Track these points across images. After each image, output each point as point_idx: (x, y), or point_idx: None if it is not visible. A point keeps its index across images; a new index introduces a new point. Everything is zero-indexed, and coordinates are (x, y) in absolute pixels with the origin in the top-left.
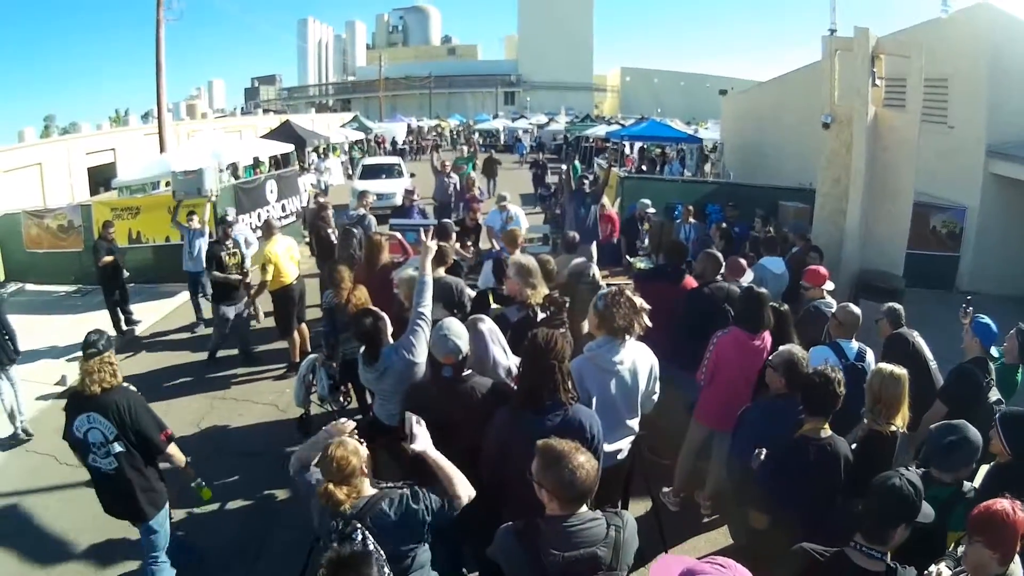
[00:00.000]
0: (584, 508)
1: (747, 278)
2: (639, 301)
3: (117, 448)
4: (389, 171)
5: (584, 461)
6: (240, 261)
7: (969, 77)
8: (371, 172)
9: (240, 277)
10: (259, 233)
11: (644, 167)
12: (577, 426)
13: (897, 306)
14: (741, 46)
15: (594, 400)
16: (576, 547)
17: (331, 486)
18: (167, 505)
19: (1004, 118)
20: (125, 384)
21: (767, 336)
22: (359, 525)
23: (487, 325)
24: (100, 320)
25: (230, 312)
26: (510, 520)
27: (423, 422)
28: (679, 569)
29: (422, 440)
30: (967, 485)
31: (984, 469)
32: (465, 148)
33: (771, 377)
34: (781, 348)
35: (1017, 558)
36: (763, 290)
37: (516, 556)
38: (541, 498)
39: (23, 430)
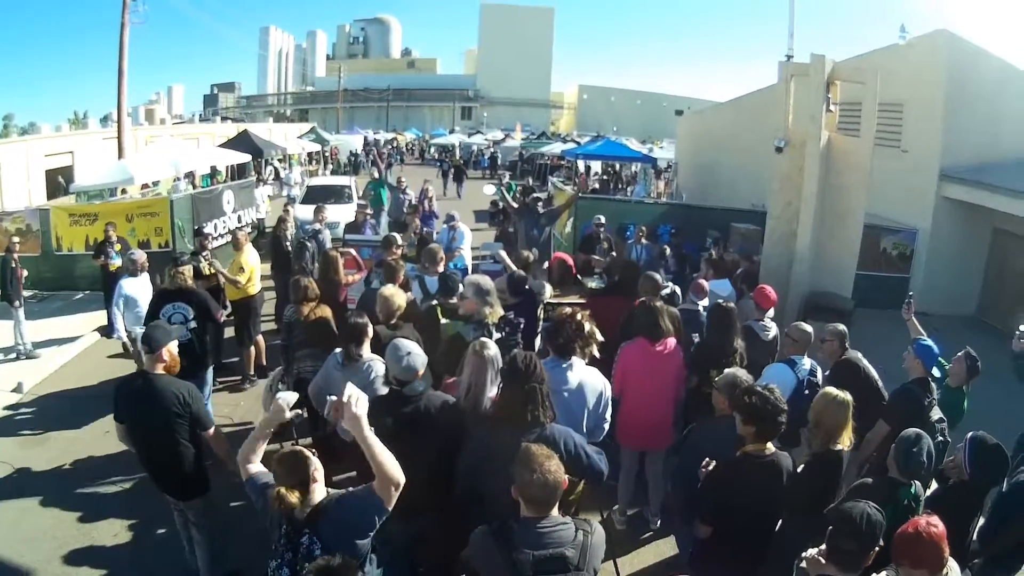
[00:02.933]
0: (555, 512)
1: (706, 301)
2: (589, 327)
3: (192, 325)
4: (338, 194)
5: (553, 467)
6: (216, 271)
7: (925, 102)
8: (318, 195)
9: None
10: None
11: (598, 186)
12: (552, 442)
13: (842, 327)
14: (699, 66)
15: None
16: (546, 547)
17: (283, 490)
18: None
19: (958, 142)
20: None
21: (671, 343)
22: (307, 531)
23: (492, 352)
24: (56, 326)
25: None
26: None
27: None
28: None
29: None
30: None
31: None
32: (374, 170)
33: (716, 398)
34: (726, 371)
35: (952, 562)
36: (658, 302)
37: (491, 555)
38: (516, 500)
39: None
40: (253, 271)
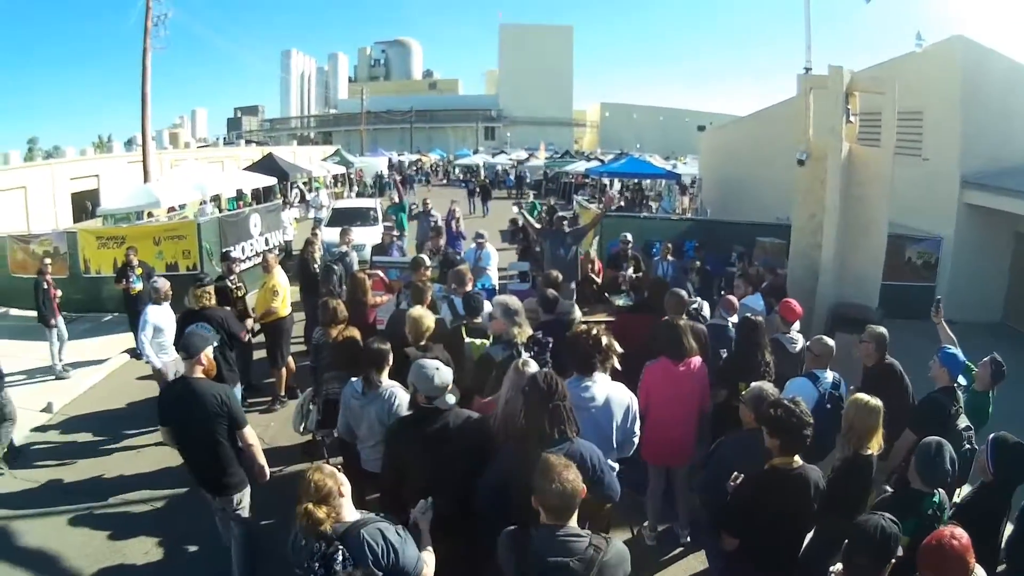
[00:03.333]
0: (573, 523)
1: (734, 318)
2: (607, 340)
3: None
4: (364, 217)
5: (571, 477)
6: (244, 294)
7: (943, 109)
8: (343, 218)
9: (242, 310)
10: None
11: (623, 204)
12: (578, 458)
13: (881, 330)
14: (720, 81)
15: None
16: (555, 554)
17: (310, 505)
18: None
19: (978, 148)
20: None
21: (695, 361)
22: (340, 546)
23: (532, 369)
24: (85, 347)
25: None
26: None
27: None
28: None
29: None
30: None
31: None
32: (395, 194)
33: (743, 411)
34: (753, 384)
35: (979, 569)
36: (681, 321)
37: (506, 555)
38: (536, 509)
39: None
40: (285, 293)
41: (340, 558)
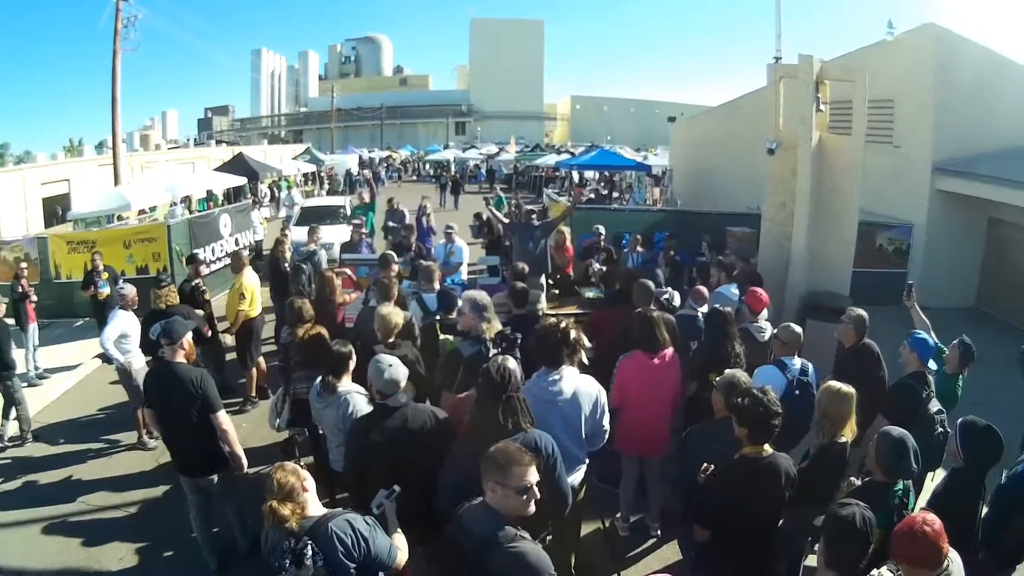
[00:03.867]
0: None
1: (704, 308)
2: (575, 334)
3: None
4: (332, 215)
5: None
6: (207, 298)
7: (915, 97)
8: (311, 216)
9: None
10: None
11: (592, 197)
12: (533, 446)
13: (861, 312)
14: (691, 73)
15: None
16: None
17: (275, 503)
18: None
19: (950, 136)
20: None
21: (668, 353)
22: (309, 541)
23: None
24: (57, 353)
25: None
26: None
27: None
28: None
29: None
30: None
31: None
32: (364, 192)
33: (715, 399)
34: (726, 372)
35: (953, 553)
36: (654, 313)
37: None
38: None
39: None
40: (253, 293)
41: (310, 552)
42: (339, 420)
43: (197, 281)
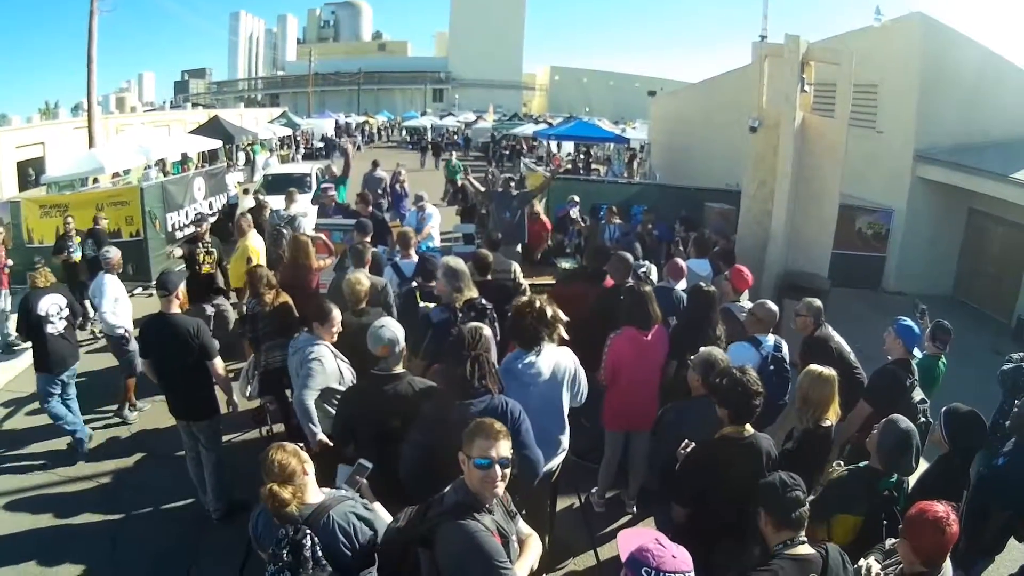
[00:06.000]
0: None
1: (683, 283)
2: (551, 310)
3: (66, 313)
4: (299, 184)
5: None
6: (217, 259)
7: (900, 84)
8: (276, 185)
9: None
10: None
11: (569, 167)
12: (501, 411)
13: (817, 302)
14: (672, 48)
15: None
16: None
17: (275, 486)
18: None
19: (934, 124)
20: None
21: (658, 330)
22: (308, 531)
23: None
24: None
25: (209, 310)
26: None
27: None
28: (636, 543)
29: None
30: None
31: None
32: (334, 165)
33: (691, 377)
34: (701, 349)
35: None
36: (647, 288)
37: None
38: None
39: None
40: (259, 256)
41: (308, 543)
42: (297, 365)
43: (205, 240)
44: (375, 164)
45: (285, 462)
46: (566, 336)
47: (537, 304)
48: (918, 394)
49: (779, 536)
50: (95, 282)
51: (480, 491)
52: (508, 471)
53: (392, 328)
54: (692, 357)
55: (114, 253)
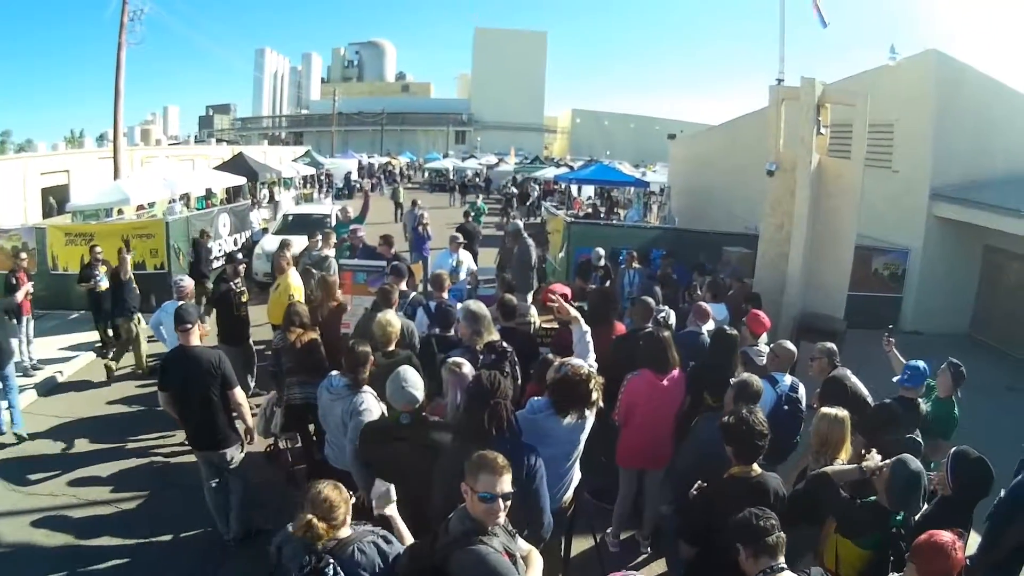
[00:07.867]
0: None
1: (710, 325)
2: (596, 395)
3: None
4: (319, 226)
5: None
6: (247, 300)
7: (915, 122)
8: (295, 226)
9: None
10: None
11: (590, 211)
12: (518, 461)
13: (831, 345)
14: (692, 90)
15: None
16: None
17: (314, 519)
18: None
19: (949, 162)
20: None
21: (676, 373)
22: (332, 560)
23: (467, 369)
24: (51, 344)
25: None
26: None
27: (392, 489)
28: None
29: (389, 505)
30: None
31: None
32: (349, 207)
33: (728, 396)
34: (744, 374)
35: None
36: (666, 333)
37: None
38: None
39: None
40: (299, 294)
41: (331, 572)
42: (344, 414)
43: (237, 281)
44: (414, 203)
45: (333, 501)
46: (601, 404)
47: (591, 384)
48: (916, 434)
49: (758, 565)
50: (164, 306)
51: (484, 520)
52: (509, 503)
53: (413, 385)
54: (733, 380)
55: (188, 282)
